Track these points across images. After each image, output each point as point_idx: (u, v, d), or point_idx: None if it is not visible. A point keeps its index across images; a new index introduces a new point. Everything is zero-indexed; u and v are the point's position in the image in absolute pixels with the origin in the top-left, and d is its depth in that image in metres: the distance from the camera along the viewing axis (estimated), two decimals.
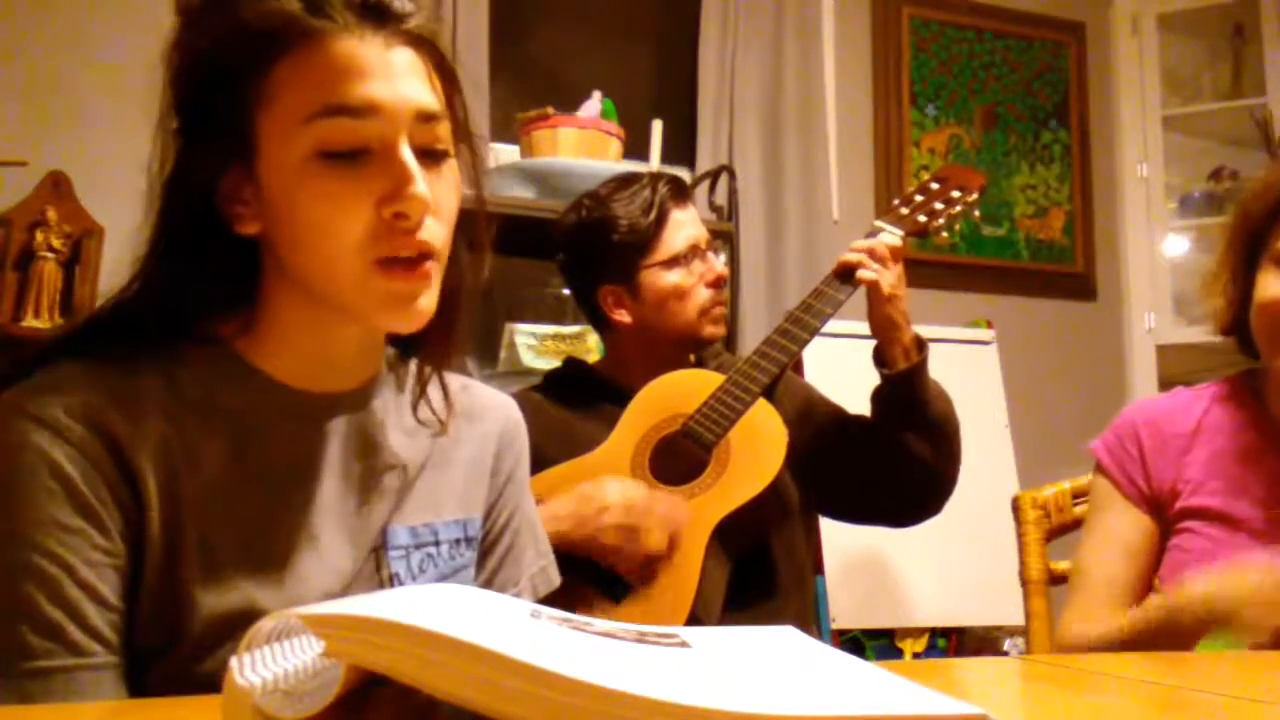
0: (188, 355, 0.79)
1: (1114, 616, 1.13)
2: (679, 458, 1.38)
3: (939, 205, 1.52)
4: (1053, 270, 3.22)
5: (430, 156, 0.76)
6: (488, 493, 0.94)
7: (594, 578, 1.30)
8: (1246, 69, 3.27)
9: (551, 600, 0.94)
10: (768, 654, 0.54)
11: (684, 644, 0.52)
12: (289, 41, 0.73)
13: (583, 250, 1.55)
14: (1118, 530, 1.20)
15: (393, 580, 0.83)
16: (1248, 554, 1.05)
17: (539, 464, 1.44)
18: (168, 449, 0.74)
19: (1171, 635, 1.03)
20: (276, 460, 0.79)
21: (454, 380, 0.91)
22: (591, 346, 2.18)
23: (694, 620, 1.27)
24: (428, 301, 0.77)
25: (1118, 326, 3.27)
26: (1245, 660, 0.91)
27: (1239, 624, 0.96)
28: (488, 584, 0.94)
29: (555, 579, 1.00)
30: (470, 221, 0.84)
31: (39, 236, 2.13)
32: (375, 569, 0.83)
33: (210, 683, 0.72)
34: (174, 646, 0.73)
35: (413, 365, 0.90)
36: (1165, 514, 1.18)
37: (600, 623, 0.53)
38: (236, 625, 0.73)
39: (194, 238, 0.77)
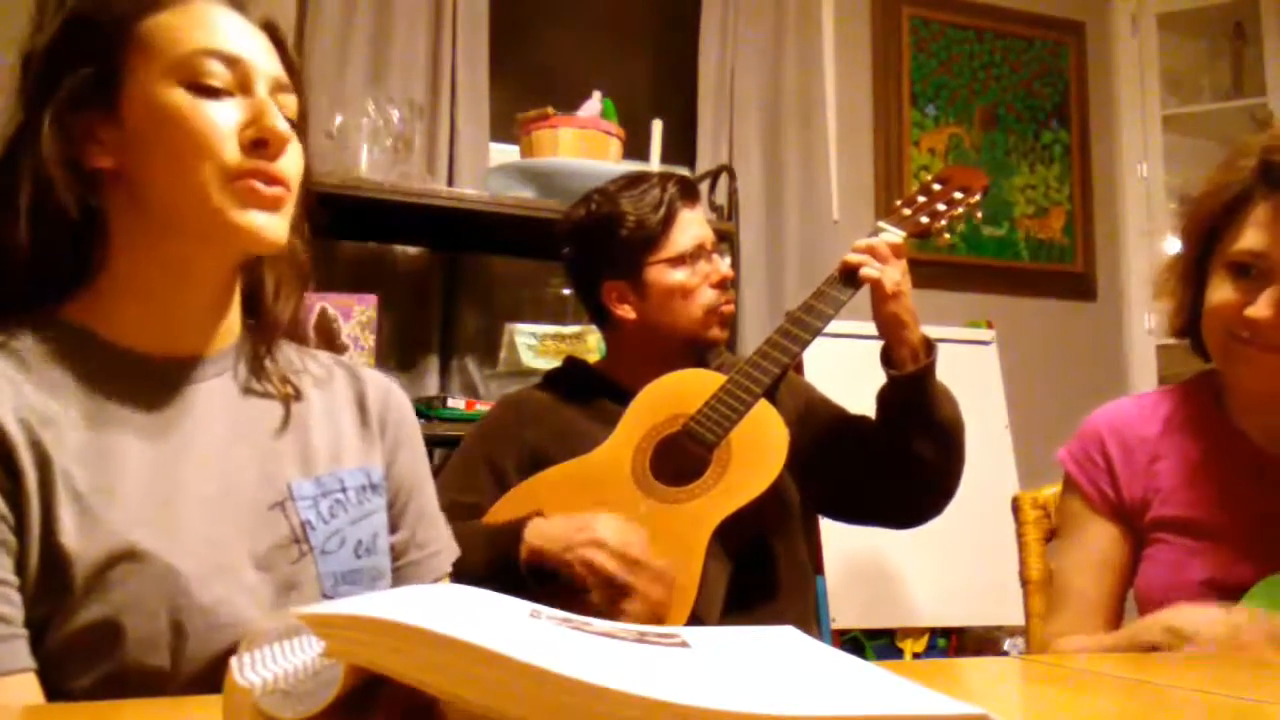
0: (29, 331, 0.81)
1: (1095, 630, 1.14)
2: (680, 458, 1.38)
3: (941, 206, 1.51)
4: (1053, 270, 3.22)
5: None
6: (382, 449, 0.96)
7: None
8: (1246, 69, 3.27)
9: (552, 600, 0.94)
10: (768, 654, 0.54)
11: (684, 644, 0.52)
12: (163, 4, 0.82)
13: (589, 244, 1.55)
14: (1092, 544, 1.19)
15: (305, 527, 0.86)
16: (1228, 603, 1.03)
17: (540, 463, 1.45)
18: (27, 421, 0.76)
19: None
20: (137, 422, 0.81)
21: (293, 349, 0.96)
22: (592, 346, 2.18)
23: (694, 620, 1.26)
24: (282, 226, 0.84)
25: (1118, 326, 3.27)
26: (1243, 662, 0.91)
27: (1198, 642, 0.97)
28: (409, 541, 0.97)
29: (456, 549, 1.04)
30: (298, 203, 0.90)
31: None
32: (284, 518, 0.86)
33: (96, 629, 0.73)
34: (61, 606, 0.74)
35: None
36: (1137, 524, 1.18)
37: (600, 623, 0.53)
38: (114, 564, 0.75)
39: (30, 206, 0.80)
